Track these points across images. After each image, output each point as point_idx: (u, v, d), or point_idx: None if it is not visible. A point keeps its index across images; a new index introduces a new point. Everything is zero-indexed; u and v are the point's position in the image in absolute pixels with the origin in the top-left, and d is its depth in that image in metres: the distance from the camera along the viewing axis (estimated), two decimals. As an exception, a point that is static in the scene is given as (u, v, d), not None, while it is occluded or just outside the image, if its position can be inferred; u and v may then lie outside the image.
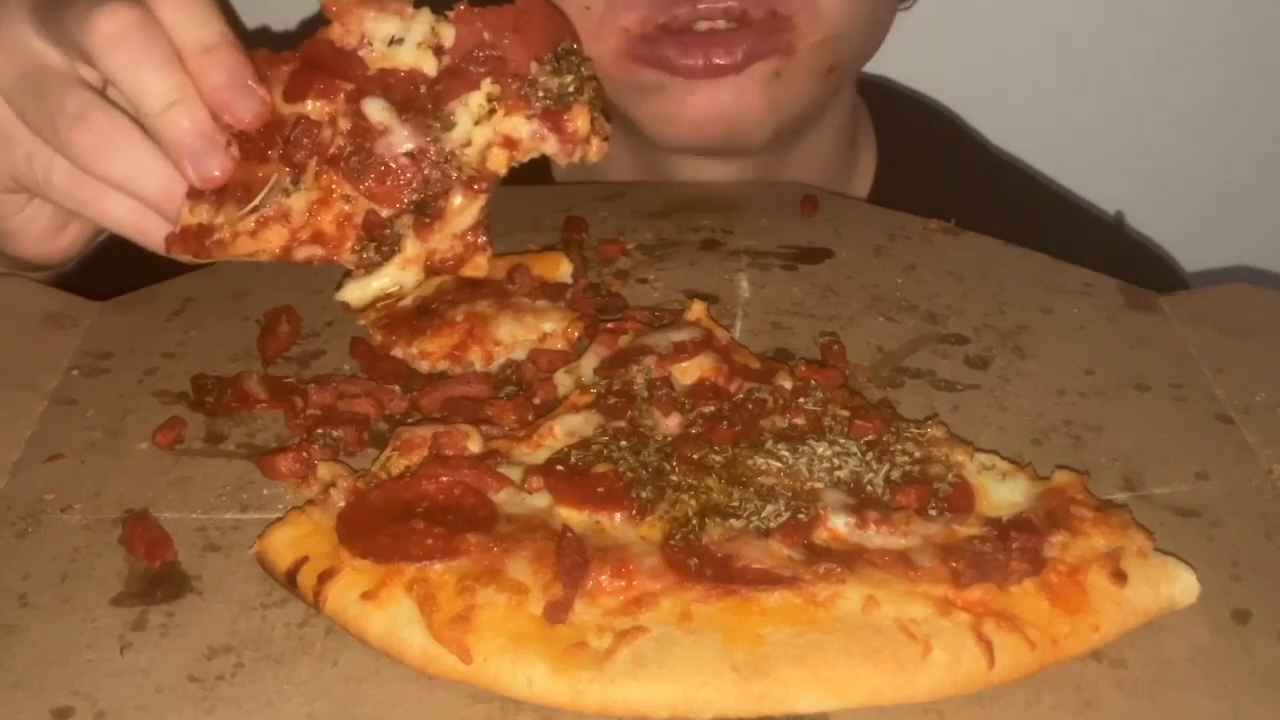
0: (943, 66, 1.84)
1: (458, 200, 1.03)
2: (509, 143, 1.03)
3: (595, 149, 1.04)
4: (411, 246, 1.03)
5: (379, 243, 1.03)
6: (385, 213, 1.03)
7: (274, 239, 1.03)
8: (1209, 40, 1.94)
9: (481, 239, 1.04)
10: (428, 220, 1.03)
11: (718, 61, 1.30)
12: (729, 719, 0.75)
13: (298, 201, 1.02)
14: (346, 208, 1.03)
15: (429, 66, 1.03)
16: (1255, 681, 0.78)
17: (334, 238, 1.03)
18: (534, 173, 1.09)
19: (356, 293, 1.05)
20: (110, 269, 1.16)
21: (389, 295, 1.05)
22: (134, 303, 1.13)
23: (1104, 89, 1.97)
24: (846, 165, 1.58)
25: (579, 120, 1.03)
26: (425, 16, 1.03)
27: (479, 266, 1.05)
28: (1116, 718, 0.76)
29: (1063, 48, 1.95)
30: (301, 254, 1.03)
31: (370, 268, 1.04)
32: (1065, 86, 1.97)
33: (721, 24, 1.30)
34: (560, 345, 1.04)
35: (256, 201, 1.01)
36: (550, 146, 1.04)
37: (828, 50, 1.33)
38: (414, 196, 1.02)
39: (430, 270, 1.05)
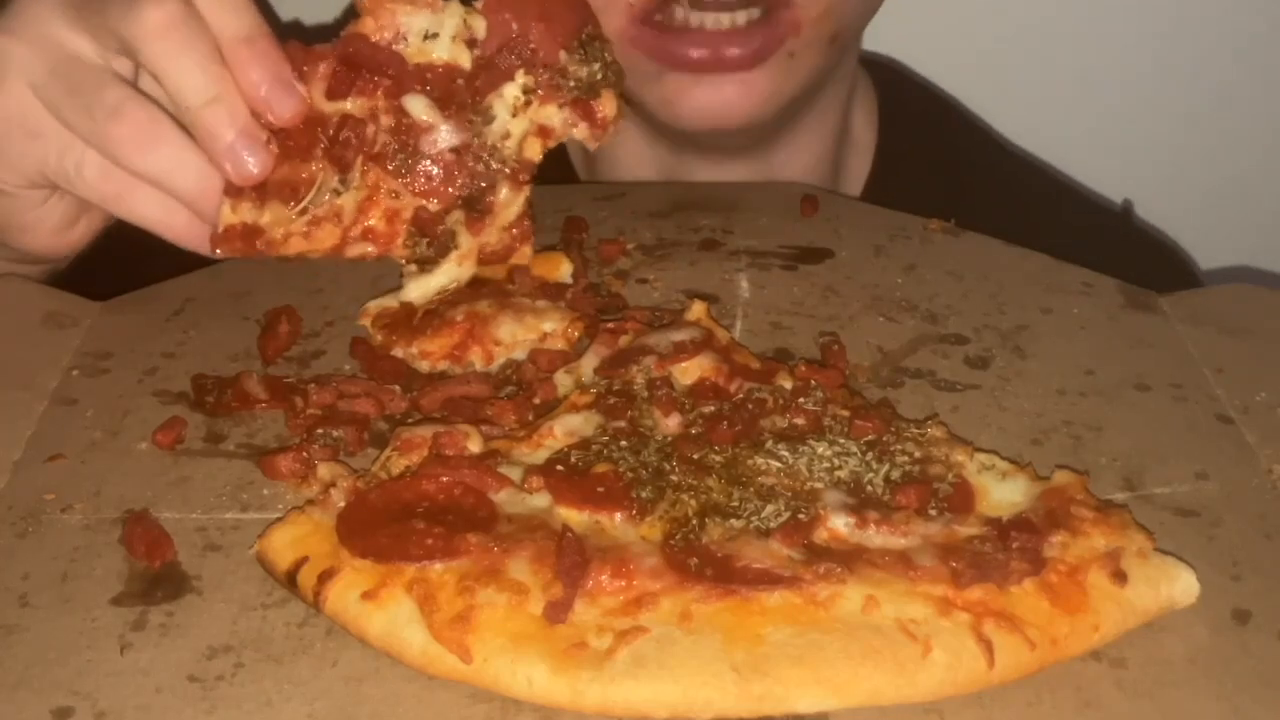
0: (950, 59, 1.84)
1: (504, 193, 1.05)
2: (543, 131, 1.06)
3: (615, 129, 1.07)
4: (465, 241, 1.05)
5: (430, 238, 1.04)
6: (434, 208, 1.04)
7: (327, 238, 1.04)
8: (1214, 42, 1.94)
9: (527, 229, 1.06)
10: (477, 214, 1.05)
11: (730, 53, 1.31)
12: (729, 719, 0.75)
13: (348, 200, 1.03)
14: (394, 204, 1.03)
15: (465, 60, 1.04)
16: (1255, 681, 0.78)
17: (384, 234, 1.04)
18: (551, 170, 1.10)
19: (418, 291, 1.07)
20: (110, 269, 1.16)
21: (446, 290, 1.07)
22: (134, 303, 1.13)
23: (1108, 89, 1.97)
24: (844, 140, 1.58)
25: (608, 106, 1.06)
26: (456, 9, 1.04)
27: (525, 255, 1.08)
28: (1116, 718, 0.76)
29: (1068, 45, 1.95)
30: (354, 251, 1.04)
31: (424, 263, 1.05)
32: (1070, 87, 1.97)
33: (726, 20, 1.31)
34: (560, 345, 1.04)
35: (307, 202, 1.02)
36: (581, 133, 1.06)
37: (831, 19, 1.34)
38: (462, 191, 1.04)
39: (481, 262, 1.07)
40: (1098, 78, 1.96)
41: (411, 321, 1.06)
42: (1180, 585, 0.82)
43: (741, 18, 1.32)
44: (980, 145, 1.76)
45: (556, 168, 1.51)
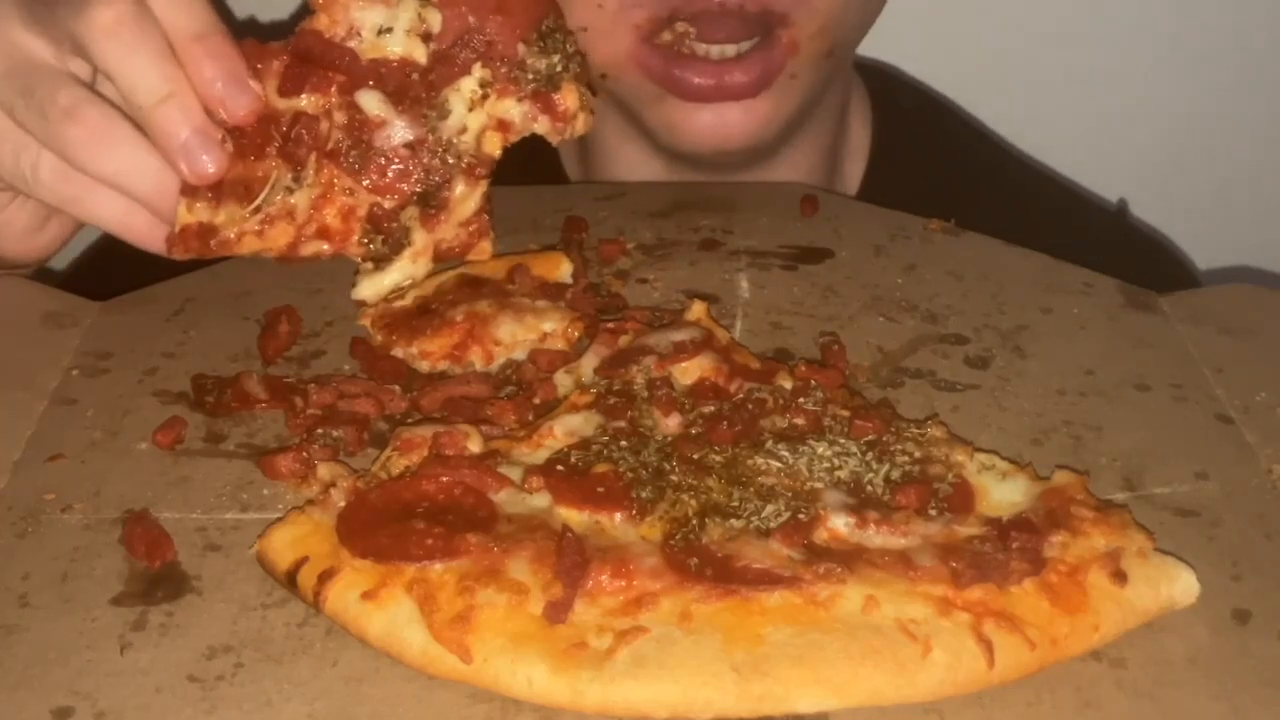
0: (946, 60, 1.84)
1: (459, 188, 1.04)
2: (502, 125, 1.04)
3: (582, 122, 1.06)
4: (420, 238, 1.05)
5: (385, 235, 1.03)
6: (389, 204, 1.03)
7: (280, 237, 1.03)
8: (1213, 40, 1.94)
9: (485, 224, 1.05)
10: (432, 210, 1.04)
11: (734, 80, 1.31)
12: (729, 719, 0.75)
13: (301, 198, 1.02)
14: (349, 200, 1.03)
15: (419, 54, 1.03)
16: (1255, 681, 0.78)
17: (339, 231, 1.04)
18: (547, 172, 1.10)
19: (371, 289, 1.06)
20: (110, 269, 1.16)
21: (401, 288, 1.06)
22: (134, 303, 1.13)
23: (1107, 88, 1.97)
24: (839, 145, 1.59)
25: (569, 99, 1.04)
26: (411, 3, 1.03)
27: (484, 251, 1.06)
28: (1116, 718, 0.76)
29: (1066, 45, 1.95)
30: (308, 249, 1.04)
31: (379, 260, 1.05)
32: (1069, 87, 1.97)
33: (730, 50, 1.32)
34: (560, 345, 1.04)
35: (259, 200, 1.01)
36: (542, 126, 1.05)
37: (827, 37, 1.35)
38: (417, 187, 1.03)
39: (438, 259, 1.06)
40: (1096, 77, 1.96)
41: (411, 321, 1.06)
42: (1180, 585, 0.82)
43: (746, 44, 1.33)
44: (975, 145, 1.76)
45: (551, 175, 1.51)
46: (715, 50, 1.33)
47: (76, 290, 1.15)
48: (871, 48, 1.63)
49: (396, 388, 1.01)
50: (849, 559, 0.80)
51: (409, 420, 0.98)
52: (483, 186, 1.05)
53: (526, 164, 1.09)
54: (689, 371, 0.98)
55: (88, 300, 1.13)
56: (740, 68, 1.32)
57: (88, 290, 1.15)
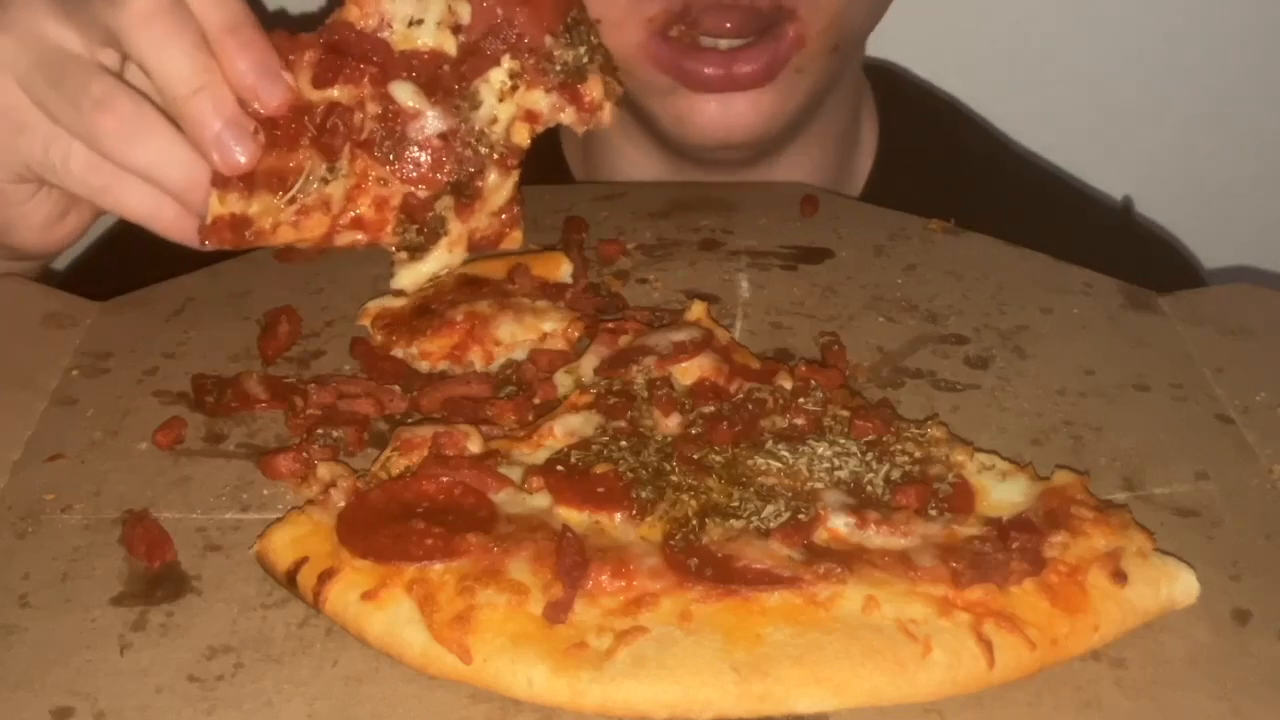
0: (949, 60, 1.84)
1: (492, 178, 1.04)
2: (530, 116, 1.05)
3: (607, 113, 1.06)
4: (455, 227, 1.05)
5: (420, 225, 1.04)
6: (423, 194, 1.03)
7: (316, 227, 1.03)
8: (1216, 40, 1.94)
9: (516, 214, 1.06)
10: (466, 200, 1.04)
11: (741, 70, 1.32)
12: (729, 719, 0.75)
13: (336, 189, 1.03)
14: (382, 191, 1.03)
15: (450, 46, 1.03)
16: (1255, 681, 0.78)
17: (373, 222, 1.04)
18: (549, 172, 1.10)
19: (409, 279, 1.06)
20: (110, 269, 1.16)
21: (438, 276, 1.07)
22: (134, 303, 1.13)
23: (1111, 88, 1.97)
24: (849, 144, 1.59)
25: (594, 90, 1.05)
26: None
27: (515, 240, 1.07)
28: (1116, 718, 0.76)
29: (1071, 44, 1.95)
30: (343, 239, 1.04)
31: (413, 250, 1.05)
32: (1072, 86, 1.97)
33: (738, 42, 1.32)
34: (560, 345, 1.04)
35: (295, 191, 1.01)
36: (568, 117, 1.05)
37: (834, 32, 1.35)
38: (450, 177, 1.04)
39: (472, 248, 1.06)
40: (1100, 77, 1.96)
41: (411, 321, 1.06)
42: (1180, 585, 0.82)
43: (753, 36, 1.33)
44: (981, 144, 1.76)
45: (553, 174, 1.52)
46: (724, 43, 1.33)
47: (76, 290, 1.15)
48: (876, 46, 1.63)
49: (396, 388, 1.01)
50: (849, 559, 0.80)
51: (409, 420, 0.98)
52: (514, 176, 1.05)
53: (530, 156, 1.09)
54: (689, 371, 0.98)
55: (88, 300, 1.13)
56: (746, 57, 1.32)
57: (88, 290, 1.15)
